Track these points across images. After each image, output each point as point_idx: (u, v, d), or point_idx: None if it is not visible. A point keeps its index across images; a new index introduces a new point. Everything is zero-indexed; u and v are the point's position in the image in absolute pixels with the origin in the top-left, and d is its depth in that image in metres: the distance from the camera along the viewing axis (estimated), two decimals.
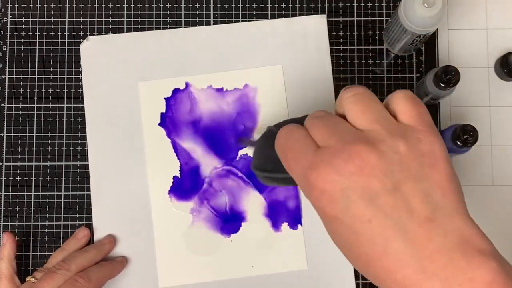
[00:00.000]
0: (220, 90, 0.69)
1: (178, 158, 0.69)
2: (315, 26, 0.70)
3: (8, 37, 0.71)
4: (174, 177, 0.69)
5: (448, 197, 0.37)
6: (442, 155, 0.38)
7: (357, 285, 0.67)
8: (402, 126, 0.40)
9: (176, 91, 0.70)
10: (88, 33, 0.71)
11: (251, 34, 0.70)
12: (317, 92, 0.69)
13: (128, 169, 0.69)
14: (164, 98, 0.69)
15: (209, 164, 0.69)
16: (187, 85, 0.70)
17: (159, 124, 0.69)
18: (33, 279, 0.62)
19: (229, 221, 0.68)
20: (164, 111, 0.69)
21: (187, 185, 0.69)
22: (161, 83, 0.70)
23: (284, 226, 0.68)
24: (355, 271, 0.67)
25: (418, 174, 0.37)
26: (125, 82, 0.70)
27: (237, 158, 0.69)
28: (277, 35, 0.70)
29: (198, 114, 0.69)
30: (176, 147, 0.69)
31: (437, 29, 0.70)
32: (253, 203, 0.68)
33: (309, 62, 0.70)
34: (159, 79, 0.70)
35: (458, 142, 0.62)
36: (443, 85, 0.62)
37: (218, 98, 0.69)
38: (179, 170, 0.69)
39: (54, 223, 0.69)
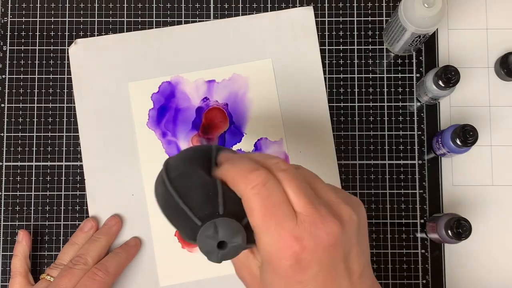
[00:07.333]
0: (211, 81, 0.69)
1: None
2: (302, 18, 0.70)
3: (8, 37, 0.71)
4: None
5: (365, 254, 0.44)
6: (366, 223, 0.45)
7: None
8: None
9: (164, 85, 0.69)
10: (88, 33, 0.71)
11: (239, 29, 0.70)
12: (307, 84, 0.69)
13: (123, 170, 0.69)
14: (153, 94, 0.69)
15: None
16: (177, 80, 0.69)
17: (150, 122, 0.69)
18: (49, 277, 0.62)
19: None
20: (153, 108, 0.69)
21: None
22: (151, 82, 0.70)
23: None
24: None
25: (357, 241, 0.42)
26: (115, 83, 0.70)
27: None
28: (265, 29, 0.70)
29: (189, 109, 0.69)
30: (168, 145, 0.69)
31: (437, 29, 0.70)
32: None
33: (298, 54, 0.70)
34: (149, 79, 0.70)
35: (458, 142, 0.62)
36: (443, 85, 0.62)
37: (209, 91, 0.69)
38: None
39: (54, 223, 0.69)
